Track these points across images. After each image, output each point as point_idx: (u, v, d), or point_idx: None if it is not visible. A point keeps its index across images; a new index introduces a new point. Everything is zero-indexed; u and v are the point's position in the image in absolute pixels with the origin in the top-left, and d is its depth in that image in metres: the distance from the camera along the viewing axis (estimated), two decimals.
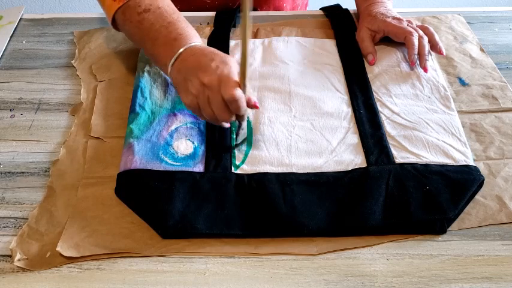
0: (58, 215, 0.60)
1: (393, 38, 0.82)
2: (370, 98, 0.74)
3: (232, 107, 0.61)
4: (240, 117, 0.65)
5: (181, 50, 0.65)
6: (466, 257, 0.57)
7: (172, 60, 0.65)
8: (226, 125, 0.65)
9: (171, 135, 0.68)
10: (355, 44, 0.84)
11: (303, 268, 0.55)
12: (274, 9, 1.00)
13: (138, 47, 0.82)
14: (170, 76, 0.67)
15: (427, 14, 0.94)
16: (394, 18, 0.82)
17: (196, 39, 0.68)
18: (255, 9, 0.97)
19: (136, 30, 0.72)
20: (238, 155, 0.66)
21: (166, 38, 0.67)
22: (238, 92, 0.60)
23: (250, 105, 0.63)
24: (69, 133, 0.70)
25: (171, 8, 0.72)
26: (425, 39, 0.79)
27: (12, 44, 0.87)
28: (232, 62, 0.63)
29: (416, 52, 0.77)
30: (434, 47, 0.80)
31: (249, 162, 0.65)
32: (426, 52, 0.78)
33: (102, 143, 0.69)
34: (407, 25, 0.80)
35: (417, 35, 0.79)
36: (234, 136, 0.68)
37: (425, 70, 0.77)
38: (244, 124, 0.67)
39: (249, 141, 0.68)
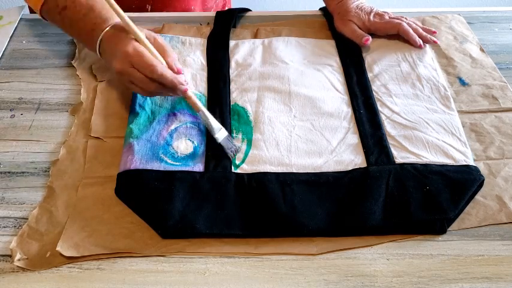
0: (58, 215, 0.60)
1: (382, 34, 0.85)
2: (370, 98, 0.74)
3: (162, 81, 0.64)
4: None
5: (98, 40, 0.68)
6: (466, 257, 0.57)
7: (97, 51, 0.69)
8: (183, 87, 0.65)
9: (170, 135, 0.68)
10: (355, 44, 0.84)
11: (303, 268, 0.55)
12: (181, 10, 1.00)
13: None
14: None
15: (427, 14, 0.94)
16: (375, 15, 0.85)
17: (109, 22, 0.69)
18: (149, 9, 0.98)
19: (63, 28, 0.76)
20: (239, 154, 0.66)
21: (85, 31, 0.71)
22: (159, 70, 0.63)
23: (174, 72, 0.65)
24: (69, 133, 0.70)
25: None
26: (411, 20, 0.85)
27: (12, 44, 0.87)
28: (132, 41, 0.65)
29: (416, 36, 0.82)
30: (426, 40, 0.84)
31: (249, 162, 0.65)
32: (421, 31, 0.84)
33: (102, 143, 0.69)
34: (389, 17, 0.85)
35: (405, 21, 0.84)
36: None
37: (435, 42, 0.83)
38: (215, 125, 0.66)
39: (249, 140, 0.68)
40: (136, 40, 0.65)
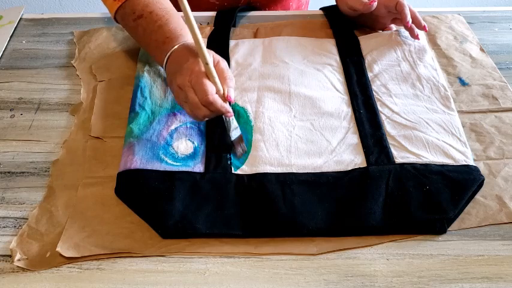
0: (58, 215, 0.60)
1: (381, 7, 0.82)
2: (370, 98, 0.74)
3: (210, 109, 0.63)
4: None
5: (168, 53, 0.68)
6: (466, 257, 0.57)
7: (164, 63, 0.69)
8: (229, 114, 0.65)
9: (171, 135, 0.68)
10: (355, 44, 0.84)
11: (303, 268, 0.55)
12: (281, 9, 1.00)
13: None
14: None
15: (427, 14, 0.94)
16: None
17: (183, 39, 0.69)
18: (257, 8, 0.97)
19: (134, 35, 0.77)
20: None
21: (157, 42, 0.70)
22: (210, 98, 0.61)
23: (225, 100, 0.64)
24: (69, 133, 0.70)
25: (163, 10, 0.73)
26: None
27: (12, 44, 0.87)
28: (199, 61, 0.63)
29: (409, 14, 0.80)
30: (419, 25, 0.82)
31: (249, 163, 0.65)
32: (419, 18, 0.81)
33: (102, 143, 0.69)
34: None
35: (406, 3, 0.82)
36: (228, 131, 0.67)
37: (425, 29, 0.81)
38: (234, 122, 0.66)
39: (249, 141, 0.68)
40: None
